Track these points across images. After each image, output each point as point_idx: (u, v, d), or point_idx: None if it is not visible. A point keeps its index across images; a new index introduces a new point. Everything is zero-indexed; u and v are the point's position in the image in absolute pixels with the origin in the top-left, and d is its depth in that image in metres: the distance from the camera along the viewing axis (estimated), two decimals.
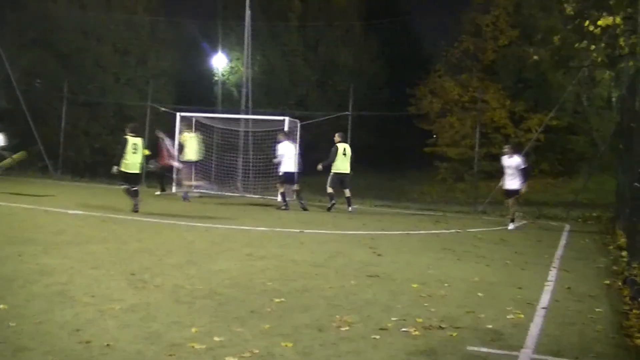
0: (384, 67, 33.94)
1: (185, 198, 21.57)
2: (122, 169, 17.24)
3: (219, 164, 25.63)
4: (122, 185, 17.54)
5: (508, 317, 7.64)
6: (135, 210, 17.05)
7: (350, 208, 20.04)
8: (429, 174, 32.12)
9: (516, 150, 18.09)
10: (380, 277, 9.72)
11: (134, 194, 17.30)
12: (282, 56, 32.74)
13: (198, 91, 32.87)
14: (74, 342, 6.01)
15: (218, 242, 12.42)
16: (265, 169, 21.79)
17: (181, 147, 22.01)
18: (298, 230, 15.00)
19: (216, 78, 34.02)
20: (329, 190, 20.20)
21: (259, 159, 23.55)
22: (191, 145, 21.96)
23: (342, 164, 20.19)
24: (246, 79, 29.04)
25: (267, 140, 21.62)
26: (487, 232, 16.33)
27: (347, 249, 12.50)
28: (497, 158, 20.22)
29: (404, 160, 32.41)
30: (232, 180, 25.73)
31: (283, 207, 19.98)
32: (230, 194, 23.84)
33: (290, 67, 32.60)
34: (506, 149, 17.97)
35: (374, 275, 9.86)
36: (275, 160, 20.39)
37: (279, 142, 20.28)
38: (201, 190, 23.09)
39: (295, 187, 20.64)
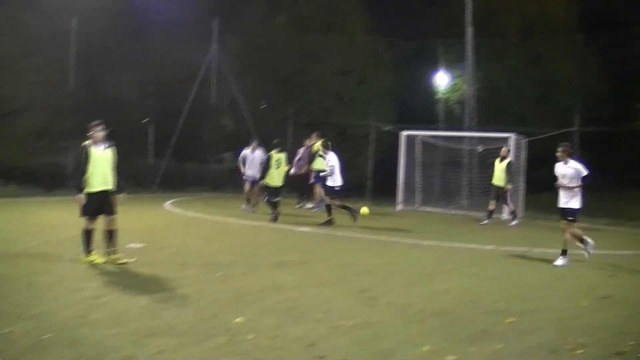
0: (607, 80, 32.62)
1: (316, 208, 22.04)
2: (267, 182, 18.98)
3: (442, 182, 25.70)
4: (266, 197, 19.16)
5: None
6: (273, 220, 18.60)
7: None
8: None
9: (572, 153, 13.65)
10: (612, 299, 9.56)
11: (274, 206, 18.93)
12: (502, 72, 32.28)
13: (419, 109, 33.02)
14: (309, 357, 6.46)
15: (444, 261, 12.57)
16: (490, 187, 21.47)
17: (313, 157, 21.92)
18: (525, 249, 14.86)
19: (438, 96, 34.03)
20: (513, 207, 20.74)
21: (484, 176, 23.33)
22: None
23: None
24: (468, 96, 29.02)
25: (492, 157, 21.38)
26: None
27: (576, 269, 12.32)
28: None
29: (632, 177, 31.02)
30: (457, 198, 25.66)
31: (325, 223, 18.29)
32: (455, 212, 23.81)
33: (511, 83, 32.08)
34: (560, 151, 13.39)
35: (605, 296, 9.71)
36: (323, 174, 18.85)
37: (324, 154, 19.04)
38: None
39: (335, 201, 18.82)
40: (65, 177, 26.01)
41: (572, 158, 13.35)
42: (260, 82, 33.29)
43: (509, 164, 20.62)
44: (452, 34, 32.25)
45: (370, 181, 28.36)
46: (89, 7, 27.22)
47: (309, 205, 23.10)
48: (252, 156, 22.10)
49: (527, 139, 23.69)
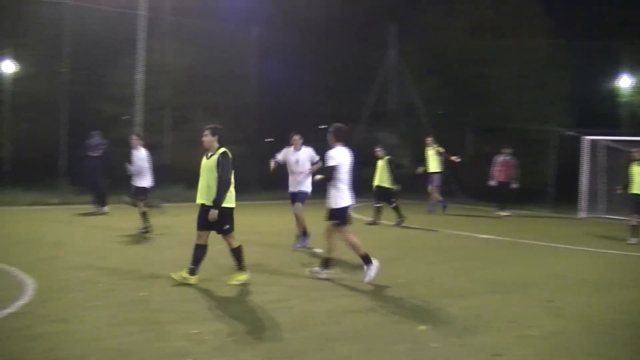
0: None
1: (431, 211, 23.20)
2: (393, 187, 19.26)
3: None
4: (377, 203, 19.43)
5: None
6: (398, 223, 19.06)
7: None
8: None
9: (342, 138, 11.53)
10: None
11: (396, 209, 19.41)
12: None
13: (599, 113, 31.96)
14: None
15: (632, 270, 12.17)
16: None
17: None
18: None
19: (621, 99, 32.77)
20: None
21: None
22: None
23: None
24: None
25: None
26: None
27: None
28: None
29: None
30: None
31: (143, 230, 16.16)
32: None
33: None
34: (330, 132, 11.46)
35: None
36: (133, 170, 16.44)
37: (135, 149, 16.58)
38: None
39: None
40: (247, 184, 26.67)
41: (343, 144, 11.37)
42: (437, 87, 33.18)
43: None
44: (636, 34, 31.08)
45: (552, 188, 27.61)
46: (267, 12, 28.08)
47: (504, 213, 23.45)
48: (295, 157, 14.82)
49: None
